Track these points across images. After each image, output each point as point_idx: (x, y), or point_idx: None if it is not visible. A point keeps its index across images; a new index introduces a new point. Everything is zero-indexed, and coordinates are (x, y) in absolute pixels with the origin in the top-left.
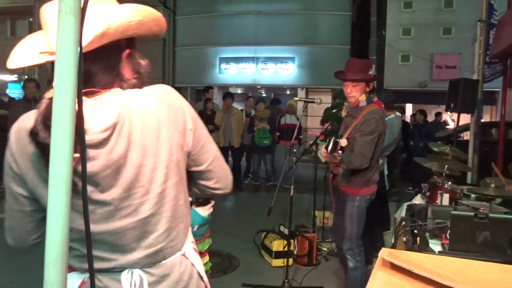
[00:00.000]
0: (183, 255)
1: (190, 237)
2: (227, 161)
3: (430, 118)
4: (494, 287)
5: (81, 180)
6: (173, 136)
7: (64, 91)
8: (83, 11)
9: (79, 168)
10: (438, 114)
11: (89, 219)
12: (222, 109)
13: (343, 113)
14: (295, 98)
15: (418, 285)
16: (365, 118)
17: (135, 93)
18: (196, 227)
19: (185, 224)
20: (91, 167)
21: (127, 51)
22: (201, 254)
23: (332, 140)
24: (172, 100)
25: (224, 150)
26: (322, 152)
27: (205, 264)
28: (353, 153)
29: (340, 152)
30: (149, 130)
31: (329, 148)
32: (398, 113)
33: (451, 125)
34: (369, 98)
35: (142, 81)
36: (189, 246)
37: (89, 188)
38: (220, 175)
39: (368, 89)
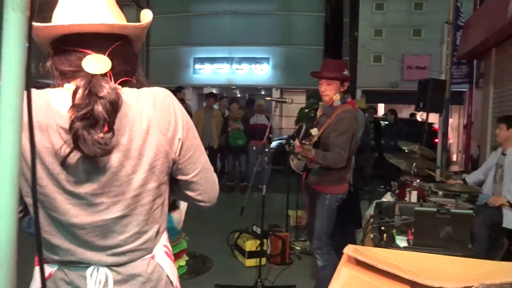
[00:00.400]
0: (153, 257)
1: (164, 240)
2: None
3: (401, 117)
4: (455, 279)
5: (31, 171)
6: (160, 142)
7: (11, 86)
8: (32, 7)
9: (48, 160)
10: (413, 115)
11: (61, 210)
12: (203, 109)
13: (318, 113)
14: (267, 98)
15: (382, 280)
16: (338, 117)
17: (132, 93)
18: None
19: (159, 228)
20: (72, 157)
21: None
22: (176, 255)
23: (303, 128)
24: (166, 106)
25: None
26: (296, 144)
27: (179, 268)
28: (329, 152)
29: (309, 142)
30: (138, 132)
31: (300, 136)
32: (360, 111)
33: None
34: (343, 98)
35: (142, 82)
36: (161, 250)
37: (66, 178)
38: (205, 188)
39: (342, 89)
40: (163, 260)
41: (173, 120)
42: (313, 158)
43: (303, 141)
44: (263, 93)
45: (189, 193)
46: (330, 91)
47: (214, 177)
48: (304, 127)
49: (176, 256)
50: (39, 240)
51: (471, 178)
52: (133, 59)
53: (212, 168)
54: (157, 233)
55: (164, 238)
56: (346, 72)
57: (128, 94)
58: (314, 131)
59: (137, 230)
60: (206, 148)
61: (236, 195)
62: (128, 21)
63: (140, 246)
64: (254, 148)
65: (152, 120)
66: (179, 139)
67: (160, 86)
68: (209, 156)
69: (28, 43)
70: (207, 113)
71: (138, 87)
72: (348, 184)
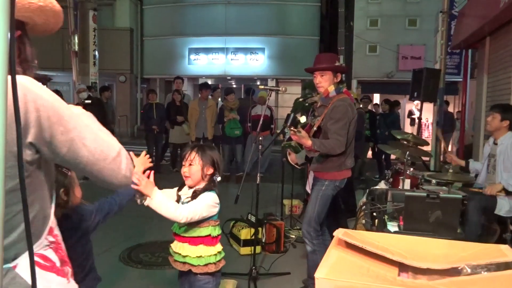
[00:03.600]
0: (14, 267)
1: (41, 249)
2: None
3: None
4: (442, 261)
5: (17, 162)
6: (9, 144)
7: None
8: None
9: None
10: (411, 114)
11: None
12: (197, 101)
13: (317, 101)
14: (260, 87)
15: (370, 262)
16: (334, 105)
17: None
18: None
19: (21, 235)
20: None
21: (18, 32)
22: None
23: (291, 116)
24: (27, 100)
25: (197, 142)
26: (290, 133)
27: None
28: (327, 140)
29: (297, 129)
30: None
31: (289, 122)
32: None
33: (417, 114)
34: (338, 88)
35: (25, 70)
36: (25, 260)
37: None
38: (101, 179)
39: (336, 80)
40: (25, 271)
41: (24, 118)
42: (310, 146)
43: (292, 129)
44: (258, 83)
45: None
46: (324, 82)
47: (110, 165)
48: (291, 115)
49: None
50: (29, 231)
51: (476, 165)
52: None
53: (108, 154)
54: (17, 241)
55: (38, 246)
56: (338, 63)
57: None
58: (302, 119)
59: None
60: (200, 139)
61: (232, 185)
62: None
63: None
64: (261, 138)
65: (11, 114)
66: (30, 142)
67: (155, 77)
68: None
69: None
70: (201, 104)
71: (21, 73)
72: (349, 171)
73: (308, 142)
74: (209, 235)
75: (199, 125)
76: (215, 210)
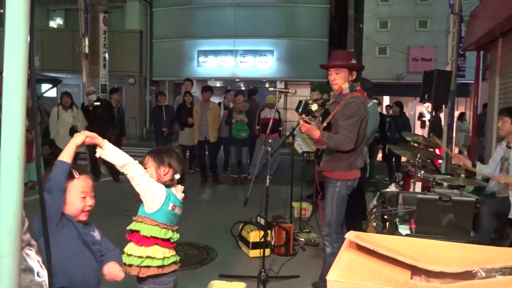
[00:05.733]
0: None
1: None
2: (203, 156)
3: (406, 110)
4: (456, 264)
5: (36, 168)
6: None
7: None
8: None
9: None
10: (421, 116)
11: None
12: (199, 103)
13: (330, 99)
14: (270, 89)
15: (382, 265)
16: (346, 102)
17: None
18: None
19: None
20: None
21: None
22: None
23: (302, 103)
24: None
25: (200, 145)
26: (300, 122)
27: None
28: (336, 134)
29: (311, 117)
30: None
31: (299, 110)
32: (375, 100)
33: (427, 117)
34: (352, 86)
35: None
36: None
37: None
38: None
39: (351, 78)
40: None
41: None
42: (319, 137)
43: (303, 116)
44: (267, 86)
45: None
46: (339, 80)
47: None
48: (303, 101)
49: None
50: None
51: (483, 168)
52: None
53: None
54: None
55: None
56: (354, 61)
57: None
58: (314, 107)
59: None
60: (203, 142)
61: (240, 187)
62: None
63: None
64: (270, 141)
65: None
66: None
67: (164, 79)
68: (201, 149)
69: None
70: (202, 107)
71: None
72: (360, 171)
73: (316, 132)
74: (158, 237)
75: (201, 128)
76: (158, 196)
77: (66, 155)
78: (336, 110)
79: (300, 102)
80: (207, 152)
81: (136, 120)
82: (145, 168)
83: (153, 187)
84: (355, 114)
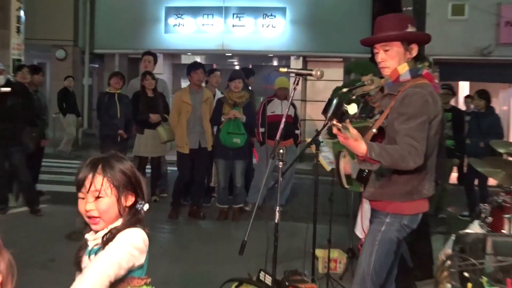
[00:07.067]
0: None
1: None
2: (184, 174)
3: (496, 103)
4: None
5: None
6: None
7: None
8: None
9: None
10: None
11: None
12: (187, 90)
13: (372, 91)
14: (282, 69)
15: None
16: (405, 94)
17: None
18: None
19: None
20: None
21: None
22: None
23: (333, 103)
24: None
25: (188, 156)
26: (334, 131)
27: None
28: (393, 145)
29: (344, 124)
30: None
31: (330, 111)
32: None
33: None
34: (414, 69)
35: None
36: None
37: None
38: None
39: (409, 56)
40: None
41: None
42: (365, 153)
43: (336, 122)
44: (275, 63)
45: None
46: (391, 60)
47: None
48: (335, 101)
49: None
50: None
51: None
52: None
53: None
54: None
55: None
56: (412, 29)
57: None
58: (351, 108)
59: None
60: (196, 151)
61: (231, 224)
62: None
63: None
64: (282, 151)
65: None
66: None
67: (113, 52)
68: (187, 163)
69: None
70: (194, 95)
71: None
72: (426, 203)
73: (361, 146)
74: None
75: (193, 129)
76: (140, 258)
77: None
78: (390, 108)
79: (330, 101)
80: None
81: None
82: (98, 197)
83: (126, 258)
84: (419, 113)
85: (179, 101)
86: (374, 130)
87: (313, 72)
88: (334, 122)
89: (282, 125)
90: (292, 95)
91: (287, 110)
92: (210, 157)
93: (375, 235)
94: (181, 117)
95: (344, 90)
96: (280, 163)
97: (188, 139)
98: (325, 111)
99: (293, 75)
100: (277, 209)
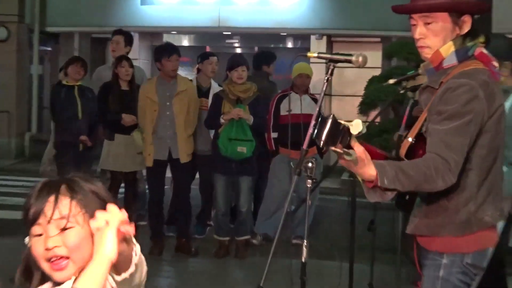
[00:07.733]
0: None
1: None
2: (159, 194)
3: None
4: None
5: None
6: None
7: None
8: None
9: None
10: None
11: None
12: (155, 81)
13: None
14: (310, 54)
15: None
16: (446, 87)
17: None
18: None
19: None
20: None
21: None
22: None
23: (329, 120)
24: None
25: (157, 169)
26: (339, 157)
27: None
28: (418, 159)
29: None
30: None
31: (324, 133)
32: None
33: None
34: (462, 49)
35: None
36: None
37: None
38: None
39: (459, 32)
40: None
41: None
42: (375, 179)
43: (335, 148)
44: (289, 45)
45: None
46: (433, 38)
47: None
48: (330, 119)
49: None
50: None
51: None
52: None
53: None
54: None
55: None
56: None
57: None
58: (356, 126)
59: None
60: (163, 164)
61: (235, 262)
62: None
63: None
64: (311, 164)
65: None
66: None
67: (71, 31)
68: (157, 179)
69: None
70: (162, 88)
71: None
72: (494, 233)
73: (368, 170)
74: None
75: (161, 133)
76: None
77: None
78: (430, 105)
79: (324, 119)
80: (168, 186)
81: (9, 118)
82: (65, 229)
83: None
84: (462, 112)
85: (143, 98)
86: (410, 139)
87: (353, 58)
88: (334, 148)
89: (311, 130)
90: (324, 88)
91: (308, 107)
92: (193, 171)
93: (433, 284)
94: (147, 117)
95: (391, 81)
96: (309, 181)
97: (153, 147)
98: (318, 136)
99: (323, 61)
100: (304, 243)
